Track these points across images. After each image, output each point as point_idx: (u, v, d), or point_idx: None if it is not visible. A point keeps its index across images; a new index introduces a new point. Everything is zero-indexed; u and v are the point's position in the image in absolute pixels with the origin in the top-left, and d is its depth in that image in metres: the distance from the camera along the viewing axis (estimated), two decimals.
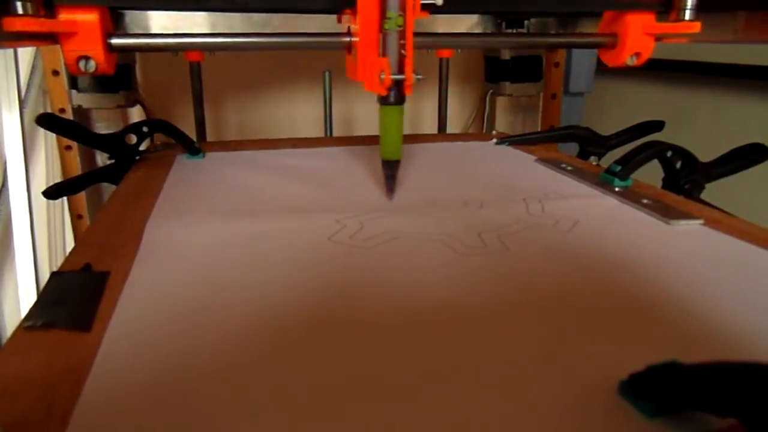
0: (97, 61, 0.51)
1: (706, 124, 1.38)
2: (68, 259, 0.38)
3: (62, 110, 0.98)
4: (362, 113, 1.12)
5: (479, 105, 1.12)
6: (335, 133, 0.95)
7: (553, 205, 0.49)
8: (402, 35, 0.47)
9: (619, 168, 0.55)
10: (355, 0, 0.49)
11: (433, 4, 0.48)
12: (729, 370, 0.21)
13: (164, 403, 0.24)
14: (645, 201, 0.49)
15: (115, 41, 0.52)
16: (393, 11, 0.46)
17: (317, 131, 1.04)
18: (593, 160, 0.74)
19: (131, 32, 0.61)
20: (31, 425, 0.22)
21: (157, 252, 0.39)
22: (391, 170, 0.51)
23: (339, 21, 0.60)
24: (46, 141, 0.99)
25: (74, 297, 0.33)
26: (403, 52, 0.48)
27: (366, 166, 0.63)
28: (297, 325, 0.29)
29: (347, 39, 0.54)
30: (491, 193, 0.53)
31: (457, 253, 0.39)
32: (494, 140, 0.77)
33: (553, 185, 0.56)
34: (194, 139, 0.69)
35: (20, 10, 0.47)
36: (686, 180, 0.56)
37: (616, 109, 1.64)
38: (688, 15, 0.58)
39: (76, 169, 0.94)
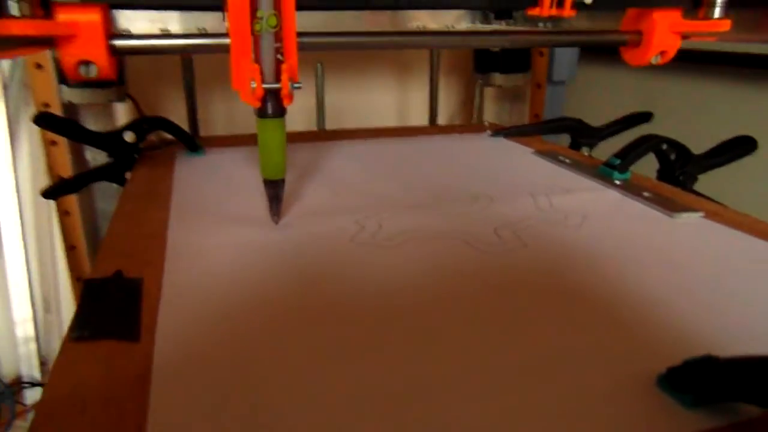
0: (99, 66, 0.45)
1: (680, 108, 1.42)
2: (96, 267, 0.38)
3: (46, 105, 0.96)
4: (353, 104, 1.12)
5: (466, 94, 1.13)
6: (327, 126, 0.95)
7: (560, 199, 0.51)
8: (278, 37, 0.41)
9: (618, 161, 0.57)
10: None
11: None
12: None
13: (231, 406, 0.24)
14: (646, 194, 0.51)
15: (118, 43, 0.46)
16: (264, 10, 0.40)
17: (307, 122, 1.04)
18: (585, 150, 0.76)
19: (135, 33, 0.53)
20: None
21: (184, 258, 0.39)
22: (274, 190, 0.45)
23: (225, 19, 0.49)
24: (31, 136, 0.97)
25: (114, 305, 0.33)
26: (279, 56, 0.41)
27: (370, 161, 0.64)
28: (347, 324, 0.30)
29: (226, 41, 0.44)
30: (497, 188, 0.55)
31: (477, 250, 0.40)
32: (489, 132, 0.79)
33: (555, 178, 0.58)
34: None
35: (15, 12, 0.41)
36: (680, 171, 0.59)
37: (596, 96, 1.67)
38: (717, 13, 0.55)
39: (64, 163, 0.93)
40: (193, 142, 0.65)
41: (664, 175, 0.60)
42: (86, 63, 0.45)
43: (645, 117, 0.77)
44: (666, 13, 0.54)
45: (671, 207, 0.48)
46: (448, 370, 0.27)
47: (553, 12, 0.47)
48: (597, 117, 0.77)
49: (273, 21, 0.40)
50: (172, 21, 0.57)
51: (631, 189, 0.53)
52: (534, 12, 0.47)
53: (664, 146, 0.58)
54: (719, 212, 0.48)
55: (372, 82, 1.11)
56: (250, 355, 0.28)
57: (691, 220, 0.47)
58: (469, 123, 1.08)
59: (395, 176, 0.59)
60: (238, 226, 0.45)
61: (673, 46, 0.54)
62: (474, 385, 0.26)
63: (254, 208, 0.49)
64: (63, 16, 0.44)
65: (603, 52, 1.57)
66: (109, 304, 0.33)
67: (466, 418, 0.24)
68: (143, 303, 0.33)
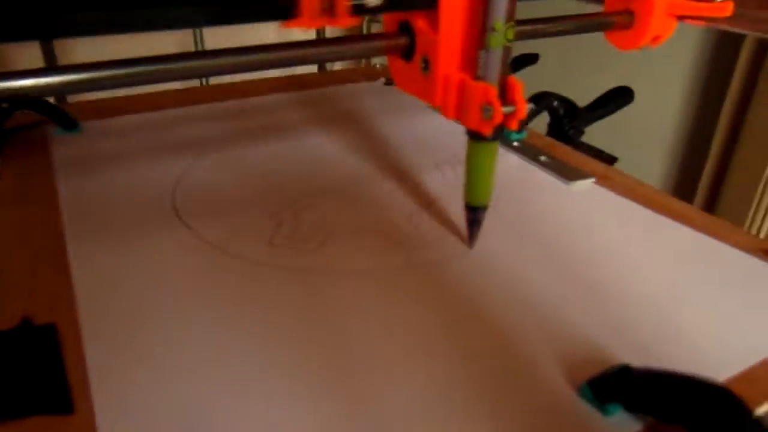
0: None
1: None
2: None
3: None
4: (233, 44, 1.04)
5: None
6: None
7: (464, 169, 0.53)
8: (509, 52, 0.35)
9: None
10: None
11: None
12: (675, 382, 0.27)
13: None
14: (543, 158, 0.54)
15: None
16: (500, 21, 0.34)
17: None
18: None
19: None
20: None
21: (97, 286, 0.36)
22: (477, 216, 0.41)
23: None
24: None
25: (31, 366, 0.31)
26: (507, 72, 0.36)
27: (264, 128, 0.62)
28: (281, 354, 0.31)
29: (402, 40, 0.38)
30: (402, 158, 0.55)
31: (400, 245, 0.41)
32: (382, 80, 0.78)
33: (455, 141, 0.59)
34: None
35: None
36: (569, 126, 0.62)
37: None
38: None
39: None
40: (67, 118, 0.59)
41: (554, 130, 0.63)
42: None
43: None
44: None
45: (567, 174, 0.52)
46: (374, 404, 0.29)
47: (324, 22, 0.34)
48: None
49: (510, 34, 0.35)
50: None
51: (528, 152, 0.56)
52: (293, 25, 0.33)
53: (555, 103, 0.61)
54: (607, 175, 0.53)
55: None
56: (208, 398, 0.28)
57: (585, 187, 0.51)
58: (366, 66, 1.05)
59: (295, 148, 0.57)
60: (147, 231, 0.42)
61: (668, 29, 0.46)
62: (397, 407, 0.28)
63: (154, 204, 0.46)
64: None
65: None
66: (24, 365, 0.31)
67: None
68: (66, 357, 0.31)
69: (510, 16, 0.34)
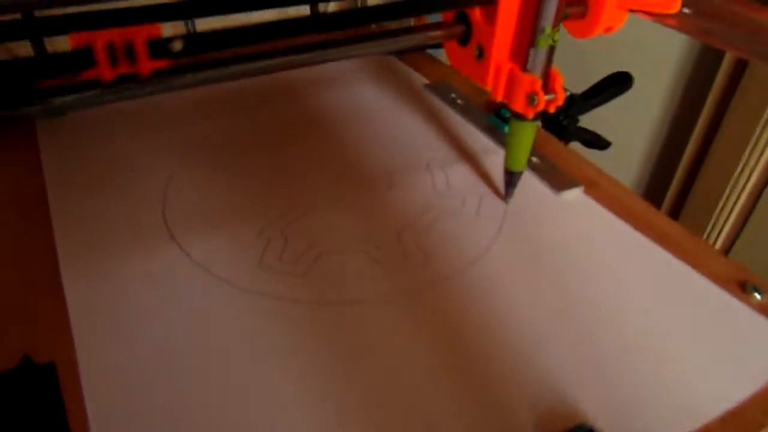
0: None
1: None
2: None
3: None
4: None
5: None
6: None
7: (455, 173, 0.53)
8: (554, 50, 0.42)
9: (509, 114, 0.58)
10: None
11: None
12: None
13: None
14: (534, 160, 0.54)
15: None
16: (549, 25, 0.40)
17: None
18: None
19: None
20: None
21: (95, 318, 0.37)
22: (514, 179, 0.49)
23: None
24: None
25: (34, 411, 0.32)
26: (550, 66, 0.43)
27: (252, 119, 0.61)
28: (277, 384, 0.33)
29: (459, 29, 0.44)
30: (394, 156, 0.55)
31: (384, 270, 0.42)
32: None
33: (448, 135, 0.59)
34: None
35: None
36: (564, 116, 0.61)
37: None
38: None
39: None
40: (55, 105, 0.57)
41: (549, 120, 0.62)
42: None
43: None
44: None
45: (556, 183, 0.51)
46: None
47: (122, 70, 0.32)
48: None
49: (557, 35, 0.41)
50: None
51: None
52: (90, 75, 0.31)
53: None
54: (597, 182, 0.53)
55: None
56: None
57: (574, 196, 0.51)
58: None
59: (282, 144, 0.57)
60: (139, 250, 0.43)
61: (619, 21, 0.48)
62: None
63: (150, 210, 0.47)
64: None
65: None
66: (26, 409, 0.32)
67: None
68: (65, 400, 0.33)
69: (557, 21, 0.40)
